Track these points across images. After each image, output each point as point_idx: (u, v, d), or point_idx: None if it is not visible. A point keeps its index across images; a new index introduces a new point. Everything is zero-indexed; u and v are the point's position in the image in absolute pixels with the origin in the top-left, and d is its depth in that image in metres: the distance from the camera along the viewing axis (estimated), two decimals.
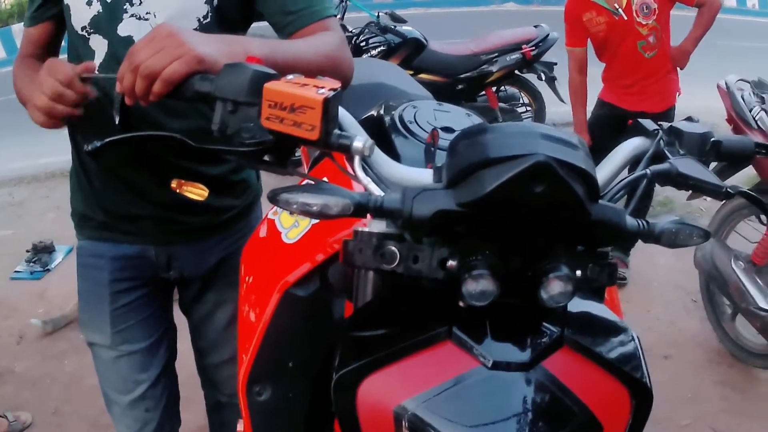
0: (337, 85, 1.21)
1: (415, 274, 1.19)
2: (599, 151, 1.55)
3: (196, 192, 1.64)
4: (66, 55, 2.00)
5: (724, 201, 4.26)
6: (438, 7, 17.40)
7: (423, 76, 6.91)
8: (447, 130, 1.78)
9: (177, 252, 2.18)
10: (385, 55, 6.97)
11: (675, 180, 1.38)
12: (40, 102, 1.60)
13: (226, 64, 1.28)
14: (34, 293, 5.21)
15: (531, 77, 7.42)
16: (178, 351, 2.42)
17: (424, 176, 1.32)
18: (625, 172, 1.48)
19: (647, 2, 4.72)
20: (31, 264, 5.56)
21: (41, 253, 5.64)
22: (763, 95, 3.95)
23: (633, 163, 1.49)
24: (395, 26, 7.13)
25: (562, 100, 6.57)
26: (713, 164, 1.59)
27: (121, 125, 1.51)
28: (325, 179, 1.32)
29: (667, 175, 1.38)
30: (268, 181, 1.88)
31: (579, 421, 1.18)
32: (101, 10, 1.87)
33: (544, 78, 7.15)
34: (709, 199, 5.68)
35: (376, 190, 1.24)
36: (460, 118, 1.94)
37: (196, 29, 1.85)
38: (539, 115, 7.50)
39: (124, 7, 1.86)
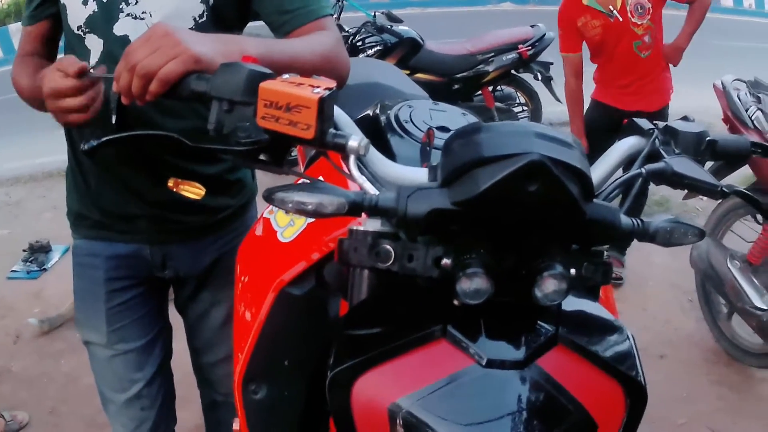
0: (333, 84, 1.21)
1: (410, 273, 1.19)
2: (596, 153, 1.55)
3: (193, 191, 1.65)
4: (62, 55, 2.00)
5: (720, 200, 4.29)
6: (434, 7, 17.38)
7: (419, 75, 6.91)
8: (443, 129, 1.78)
9: (172, 251, 2.18)
10: (382, 55, 6.97)
11: (670, 179, 1.38)
12: (70, 103, 1.58)
13: (222, 64, 1.29)
14: (31, 293, 5.20)
15: (527, 77, 7.43)
16: (173, 350, 2.42)
17: (420, 175, 1.32)
18: (620, 171, 1.49)
19: (641, 2, 4.72)
20: (28, 263, 5.55)
21: (38, 252, 5.63)
22: (760, 95, 3.95)
23: (628, 162, 1.49)
24: (392, 26, 7.13)
25: (558, 100, 6.58)
26: (709, 164, 1.59)
27: (118, 124, 1.51)
28: (320, 178, 1.32)
29: (663, 174, 1.38)
30: (264, 180, 1.89)
31: (574, 420, 1.18)
32: (97, 10, 1.87)
33: (540, 78, 7.16)
34: (705, 198, 5.70)
35: (372, 189, 1.24)
36: (455, 117, 1.94)
37: (191, 28, 1.86)
38: (535, 114, 7.50)
39: (120, 6, 1.86)
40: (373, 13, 7.36)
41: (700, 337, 4.60)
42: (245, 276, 1.79)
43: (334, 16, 7.02)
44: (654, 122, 1.52)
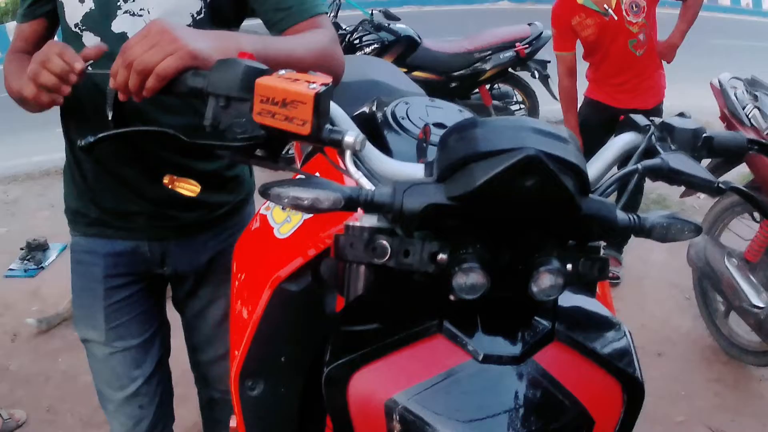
0: (329, 80, 1.21)
1: (406, 268, 1.19)
2: (590, 151, 1.55)
3: (189, 188, 1.64)
4: None
5: (717, 198, 4.29)
6: (432, 5, 17.38)
7: (417, 73, 6.92)
8: (439, 125, 1.79)
9: (170, 248, 2.19)
10: (379, 53, 6.98)
11: (667, 175, 1.38)
12: (44, 77, 1.59)
13: (218, 60, 1.29)
14: (28, 291, 5.21)
15: (524, 75, 7.43)
16: (171, 348, 2.43)
17: (416, 171, 1.32)
18: (615, 169, 1.48)
19: (637, 1, 4.71)
20: (25, 262, 5.55)
21: (35, 250, 5.63)
22: (756, 93, 3.95)
23: (624, 159, 1.49)
24: (389, 24, 7.14)
25: (555, 98, 6.55)
26: (707, 162, 1.59)
27: (114, 121, 1.51)
28: (317, 174, 1.32)
29: (659, 170, 1.38)
30: (262, 177, 1.89)
31: (570, 416, 1.19)
32: (94, 7, 1.87)
33: (537, 76, 7.16)
34: (702, 197, 5.73)
35: (368, 185, 1.24)
36: (452, 114, 1.94)
37: (189, 25, 1.86)
38: (533, 112, 7.50)
39: (118, 3, 1.86)
40: (370, 11, 7.36)
41: (697, 335, 4.60)
42: (241, 273, 1.79)
43: (332, 14, 7.10)
44: (650, 118, 1.52)
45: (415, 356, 1.19)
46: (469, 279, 1.13)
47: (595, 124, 4.98)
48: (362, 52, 7.01)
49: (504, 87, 7.69)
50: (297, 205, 1.16)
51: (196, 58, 1.36)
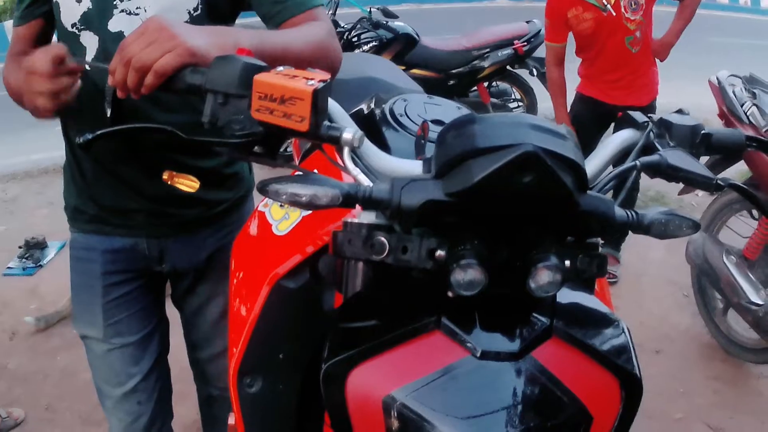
0: (327, 76, 1.21)
1: (404, 265, 1.19)
2: (583, 147, 1.55)
3: (188, 184, 1.65)
4: None
5: (715, 196, 4.30)
6: (430, 3, 17.37)
7: (415, 71, 6.92)
8: (437, 122, 1.78)
9: (170, 245, 2.19)
10: (377, 51, 6.98)
11: (665, 171, 1.38)
12: (40, 86, 1.58)
13: (217, 57, 1.28)
14: (27, 289, 5.21)
15: (523, 72, 7.43)
16: (170, 345, 2.42)
17: (414, 167, 1.32)
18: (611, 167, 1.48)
19: None
20: (24, 260, 5.55)
21: (33, 249, 5.63)
22: (755, 90, 3.95)
23: (621, 156, 1.49)
24: (387, 22, 7.14)
25: None
26: (705, 159, 1.59)
27: (113, 118, 1.51)
28: (315, 171, 1.32)
29: (657, 166, 1.38)
30: (260, 174, 1.89)
31: (569, 412, 1.18)
32: (91, 7, 1.87)
33: (535, 73, 7.14)
34: (700, 194, 5.74)
35: (366, 181, 1.24)
36: (450, 110, 1.94)
37: (186, 22, 1.86)
38: (531, 110, 7.49)
39: (114, 2, 1.86)
40: (368, 9, 7.36)
41: (696, 332, 4.61)
42: (240, 271, 1.79)
43: (330, 11, 7.09)
44: (648, 115, 1.52)
45: (413, 352, 1.19)
46: (467, 275, 1.13)
47: (588, 120, 4.98)
48: (360, 49, 7.02)
49: (502, 84, 7.69)
50: (295, 202, 1.16)
51: (195, 55, 1.36)
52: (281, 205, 1.74)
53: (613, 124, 4.92)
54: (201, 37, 1.41)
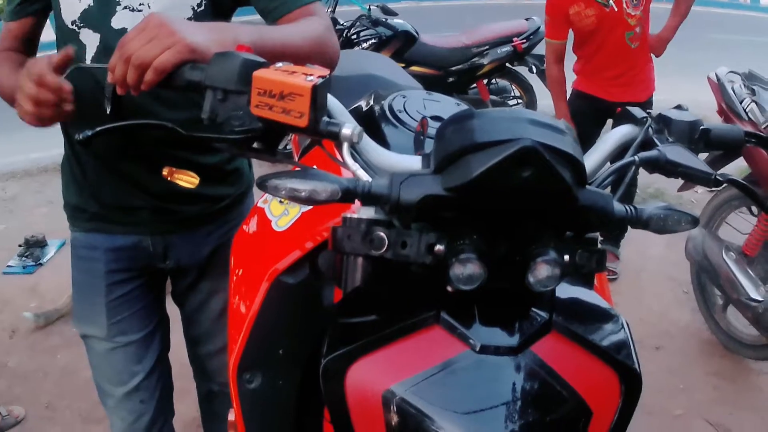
0: (326, 72, 1.22)
1: (404, 260, 1.19)
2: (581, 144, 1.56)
3: (187, 179, 1.65)
4: (55, 50, 2.00)
5: (714, 193, 4.30)
6: (429, 1, 17.34)
7: (414, 68, 6.92)
8: (436, 119, 1.78)
9: (173, 241, 2.19)
10: (377, 48, 6.98)
11: (664, 167, 1.38)
12: (26, 107, 1.59)
13: (216, 53, 1.29)
14: (27, 287, 5.20)
15: (522, 70, 7.44)
16: (170, 343, 2.43)
17: (413, 163, 1.32)
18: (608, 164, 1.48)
19: None
20: (24, 258, 5.55)
21: (33, 247, 5.63)
22: (754, 87, 3.95)
23: (620, 151, 1.49)
24: (386, 19, 7.14)
25: None
26: (704, 156, 1.59)
27: (113, 115, 1.51)
28: (314, 167, 1.32)
29: (656, 162, 1.38)
30: (260, 171, 1.89)
31: (569, 406, 1.19)
32: (93, 4, 1.87)
33: (535, 71, 7.16)
34: (699, 191, 5.74)
35: (365, 176, 1.24)
36: (449, 107, 1.94)
37: (190, 18, 1.87)
38: (530, 107, 7.49)
39: None
40: (368, 7, 7.36)
41: (695, 328, 4.61)
42: (239, 269, 1.79)
43: (329, 9, 7.09)
44: (647, 111, 1.52)
45: (413, 347, 1.19)
46: (467, 269, 1.13)
47: (585, 116, 4.97)
48: (360, 47, 7.02)
49: (501, 82, 7.72)
50: (294, 197, 1.16)
51: (194, 51, 1.36)
52: (281, 201, 1.75)
53: (610, 121, 4.93)
54: (201, 34, 1.41)
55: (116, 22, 1.87)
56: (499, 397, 1.15)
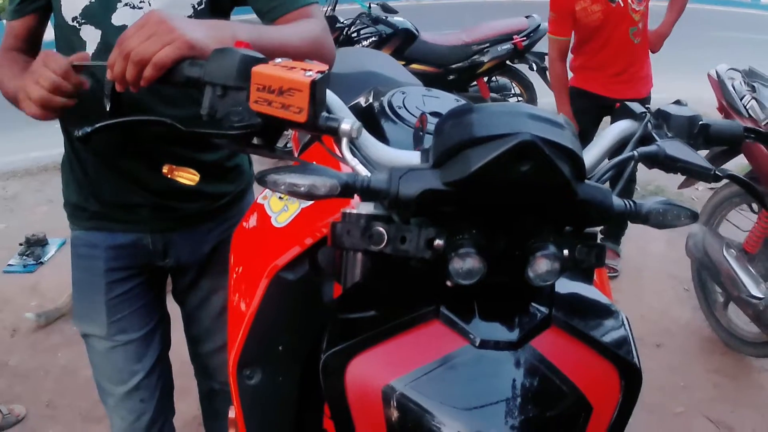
0: (325, 68, 1.22)
1: (403, 255, 1.19)
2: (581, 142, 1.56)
3: (187, 177, 1.64)
4: (54, 48, 2.00)
5: (715, 190, 4.30)
6: None
7: (414, 66, 6.93)
8: (435, 115, 1.78)
9: (174, 239, 2.19)
10: (377, 46, 6.98)
11: (663, 162, 1.38)
12: (36, 94, 1.60)
13: (215, 49, 1.29)
14: (27, 286, 5.21)
15: (522, 67, 7.45)
16: (171, 341, 2.43)
17: (412, 158, 1.32)
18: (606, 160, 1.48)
19: None
20: (24, 257, 5.55)
21: (34, 246, 5.63)
22: (754, 84, 3.96)
23: (619, 147, 1.49)
24: (386, 17, 7.15)
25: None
26: (705, 153, 1.59)
27: (112, 112, 1.52)
28: (313, 163, 1.32)
29: (655, 157, 1.38)
30: (260, 168, 1.89)
31: (568, 401, 1.19)
32: (93, 0, 1.87)
33: (535, 68, 7.18)
34: (700, 188, 5.74)
35: (364, 171, 1.24)
36: (448, 103, 1.94)
37: (190, 16, 1.88)
38: (531, 104, 7.50)
39: None
40: (368, 5, 7.37)
41: (696, 326, 4.61)
42: (239, 266, 1.79)
43: (329, 7, 7.10)
44: (646, 106, 1.52)
45: (412, 342, 1.19)
46: (466, 264, 1.13)
47: (585, 114, 4.97)
48: (360, 45, 7.01)
49: (502, 79, 7.71)
50: (294, 192, 1.16)
51: (194, 47, 1.37)
52: (280, 198, 1.75)
53: (607, 118, 4.92)
54: (200, 30, 1.42)
55: (117, 19, 1.88)
56: (499, 392, 1.15)
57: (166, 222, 2.15)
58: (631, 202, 1.25)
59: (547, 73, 6.68)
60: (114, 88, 1.45)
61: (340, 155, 1.27)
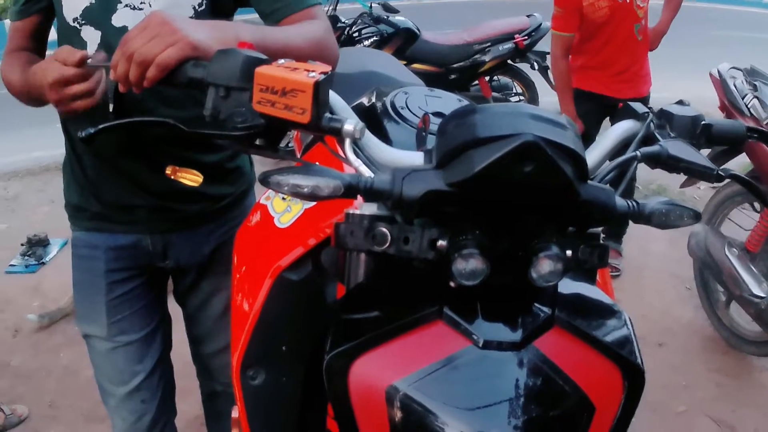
0: (328, 68, 1.22)
1: (406, 255, 1.19)
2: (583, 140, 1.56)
3: (191, 178, 1.65)
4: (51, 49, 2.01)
5: (717, 189, 4.30)
6: None
7: (416, 66, 6.93)
8: (438, 115, 1.78)
9: (173, 240, 2.19)
10: (378, 46, 6.98)
11: (665, 162, 1.38)
12: (54, 73, 1.61)
13: (218, 50, 1.29)
14: (29, 287, 5.20)
15: (524, 67, 7.45)
16: (172, 342, 2.43)
17: (415, 159, 1.32)
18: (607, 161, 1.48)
19: None
20: (26, 257, 5.55)
21: (36, 246, 5.63)
22: (756, 83, 3.95)
23: (621, 147, 1.49)
24: (388, 17, 7.16)
25: (554, 89, 6.58)
26: (707, 152, 1.59)
27: (115, 113, 1.52)
28: (317, 164, 1.32)
29: (658, 156, 1.38)
30: (262, 169, 1.89)
31: (572, 402, 1.19)
32: (94, 1, 1.87)
33: (536, 67, 7.17)
34: (702, 187, 5.73)
35: (367, 172, 1.25)
36: (451, 103, 1.94)
37: (191, 17, 1.87)
38: (532, 104, 7.49)
39: None
40: (369, 4, 7.37)
41: (698, 325, 4.61)
42: (242, 266, 1.79)
43: (331, 7, 7.10)
44: (648, 106, 1.52)
45: (416, 343, 1.19)
46: (469, 265, 1.13)
47: (588, 115, 4.94)
48: (362, 44, 7.02)
49: (503, 79, 7.71)
50: (297, 193, 1.16)
51: (197, 48, 1.37)
52: (283, 198, 1.75)
53: (608, 117, 4.92)
54: (203, 31, 1.42)
55: (117, 20, 1.88)
56: (502, 392, 1.15)
57: (166, 223, 2.15)
58: (634, 203, 1.25)
59: (549, 72, 6.70)
60: (117, 89, 1.46)
61: (343, 156, 1.27)
